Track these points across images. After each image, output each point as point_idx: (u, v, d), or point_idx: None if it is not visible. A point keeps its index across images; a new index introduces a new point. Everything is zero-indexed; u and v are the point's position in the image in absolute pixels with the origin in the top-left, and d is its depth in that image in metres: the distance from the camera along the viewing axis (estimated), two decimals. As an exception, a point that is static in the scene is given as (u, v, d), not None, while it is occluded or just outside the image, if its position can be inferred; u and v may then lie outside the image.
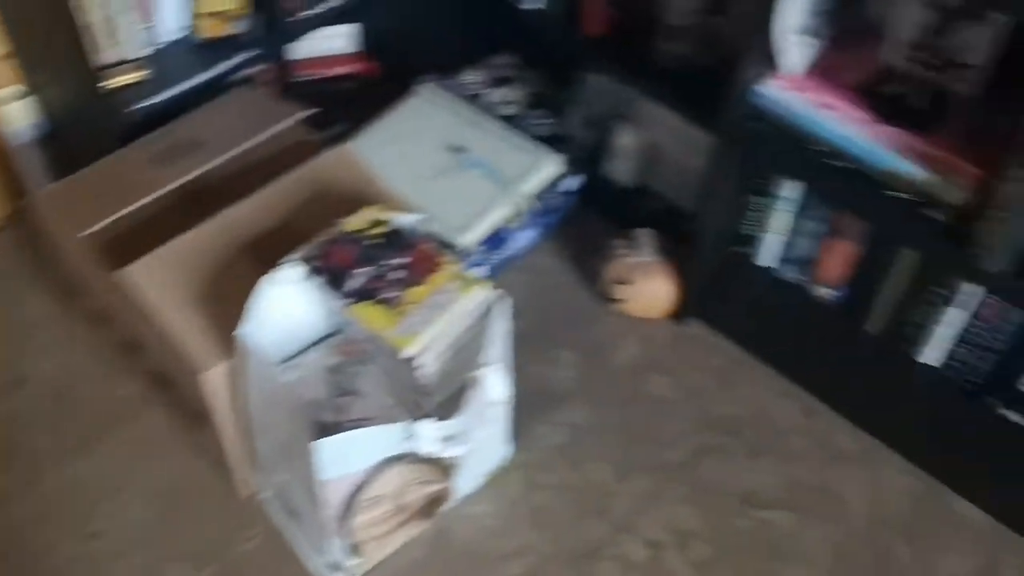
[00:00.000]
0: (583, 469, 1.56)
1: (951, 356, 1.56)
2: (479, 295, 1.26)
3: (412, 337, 1.21)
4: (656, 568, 1.45)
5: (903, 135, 1.34)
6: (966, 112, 1.35)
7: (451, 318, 1.23)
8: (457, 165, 1.79)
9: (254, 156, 1.51)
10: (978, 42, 1.33)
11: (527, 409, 1.59)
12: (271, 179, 1.45)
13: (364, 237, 1.31)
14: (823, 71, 1.43)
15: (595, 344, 1.73)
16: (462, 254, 1.68)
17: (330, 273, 1.26)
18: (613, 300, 1.74)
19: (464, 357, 1.27)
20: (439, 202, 1.70)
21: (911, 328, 1.58)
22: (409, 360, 1.22)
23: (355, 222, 1.33)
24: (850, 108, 1.38)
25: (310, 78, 2.03)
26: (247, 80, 1.77)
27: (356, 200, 1.38)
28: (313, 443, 1.15)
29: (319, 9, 1.74)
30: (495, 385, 1.25)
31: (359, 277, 1.26)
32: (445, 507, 1.46)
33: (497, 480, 1.53)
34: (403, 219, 1.35)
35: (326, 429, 1.18)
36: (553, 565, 1.45)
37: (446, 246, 1.67)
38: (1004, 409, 1.53)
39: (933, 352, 1.58)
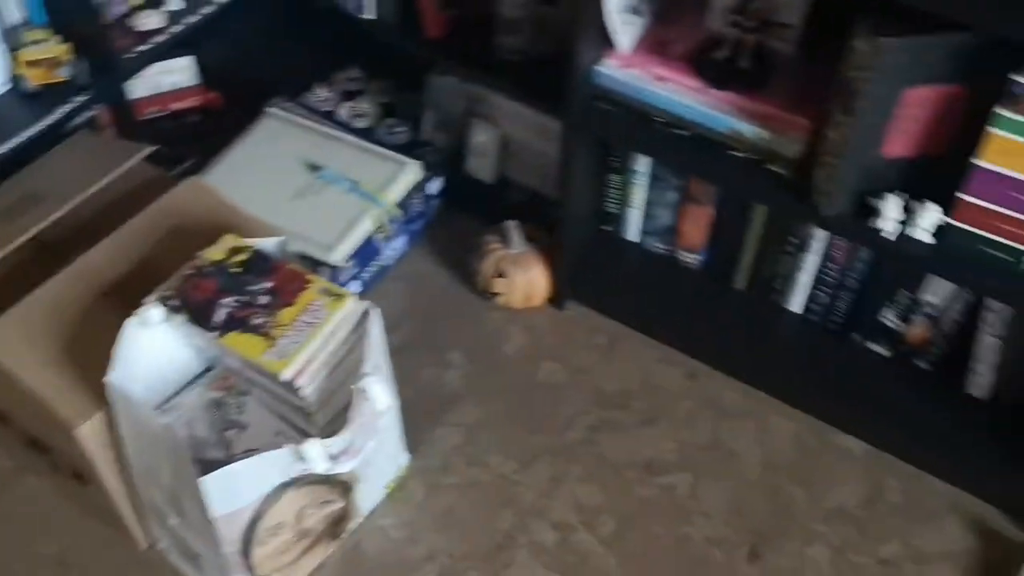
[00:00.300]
0: (483, 465, 1.57)
1: (814, 300, 1.63)
2: (349, 308, 1.26)
3: (287, 359, 1.20)
4: (567, 549, 1.48)
5: (736, 97, 1.40)
6: (789, 69, 1.42)
7: (324, 334, 1.22)
8: (316, 183, 1.78)
9: (102, 200, 1.46)
10: (792, 3, 1.40)
11: (421, 414, 1.60)
12: (123, 221, 1.41)
13: (226, 267, 1.29)
14: (654, 45, 1.48)
15: (481, 341, 1.75)
16: (334, 271, 1.67)
17: (194, 307, 1.24)
18: (492, 295, 1.76)
19: (344, 372, 1.27)
20: (303, 222, 1.69)
21: (774, 279, 1.65)
22: (288, 383, 1.21)
23: (214, 253, 1.30)
24: (683, 77, 1.44)
25: (154, 116, 1.98)
26: (89, 124, 1.72)
27: (214, 231, 1.35)
28: (199, 480, 1.13)
29: (149, 44, 1.70)
30: (379, 395, 1.25)
31: (225, 307, 1.24)
32: (351, 525, 1.45)
33: (399, 489, 1.53)
34: (264, 243, 1.34)
35: (214, 466, 1.16)
36: (467, 563, 1.46)
37: (316, 265, 1.66)
38: (868, 342, 1.61)
39: (798, 299, 1.65)
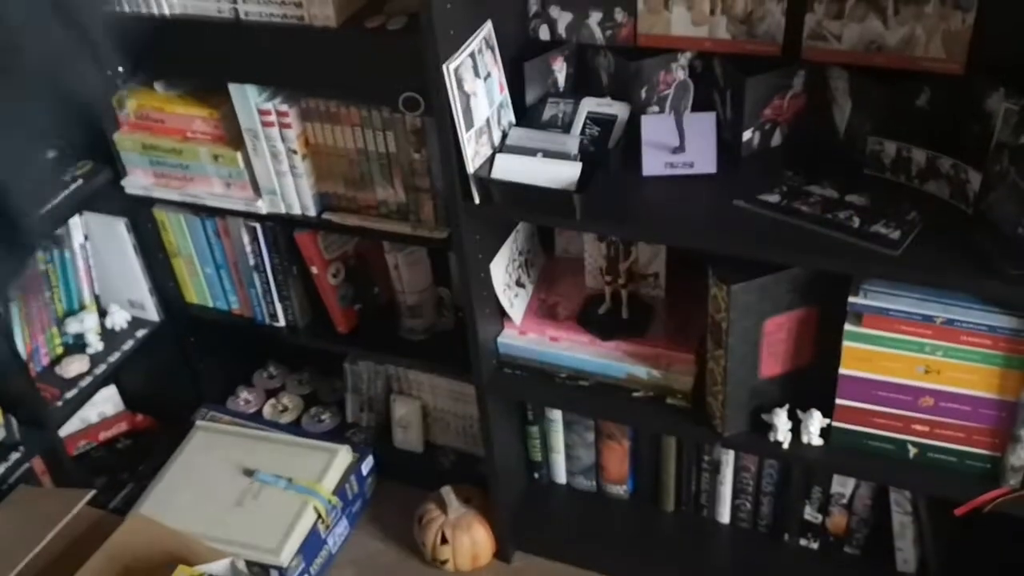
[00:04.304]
0: None
1: (739, 509, 1.73)
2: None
3: None
4: None
5: (623, 345, 1.56)
6: (665, 311, 1.59)
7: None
8: (254, 487, 1.84)
9: (51, 554, 1.50)
10: (653, 256, 1.59)
11: None
12: (74, 573, 1.44)
13: (181, 600, 1.33)
14: (543, 310, 1.65)
15: (436, 610, 1.78)
16: (282, 573, 1.70)
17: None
18: (440, 562, 1.81)
19: None
20: (247, 530, 1.74)
21: (699, 496, 1.75)
22: None
23: (169, 588, 1.35)
24: (574, 335, 1.59)
25: (85, 449, 2.04)
26: (24, 475, 1.76)
27: (165, 564, 1.40)
28: None
29: (76, 389, 1.78)
30: None
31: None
32: None
33: None
34: (215, 568, 1.39)
35: None
36: None
37: (266, 569, 1.70)
38: (799, 539, 1.71)
39: (725, 510, 1.75)
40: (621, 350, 1.56)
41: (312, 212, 1.66)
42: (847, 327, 1.30)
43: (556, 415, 1.78)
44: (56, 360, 1.84)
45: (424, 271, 1.75)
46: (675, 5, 1.41)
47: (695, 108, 1.45)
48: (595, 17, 1.47)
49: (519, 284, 1.64)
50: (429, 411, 1.99)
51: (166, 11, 1.49)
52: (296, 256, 1.77)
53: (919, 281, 1.23)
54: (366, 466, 1.96)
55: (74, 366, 1.82)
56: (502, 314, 1.62)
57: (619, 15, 1.46)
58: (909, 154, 1.29)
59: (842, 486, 1.60)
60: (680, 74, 1.44)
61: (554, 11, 1.50)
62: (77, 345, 1.87)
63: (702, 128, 1.38)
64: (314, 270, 1.76)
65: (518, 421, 1.82)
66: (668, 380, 1.52)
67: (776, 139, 1.43)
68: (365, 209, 1.63)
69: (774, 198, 1.31)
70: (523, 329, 1.62)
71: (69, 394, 1.77)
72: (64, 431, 1.96)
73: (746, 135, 1.40)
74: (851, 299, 1.28)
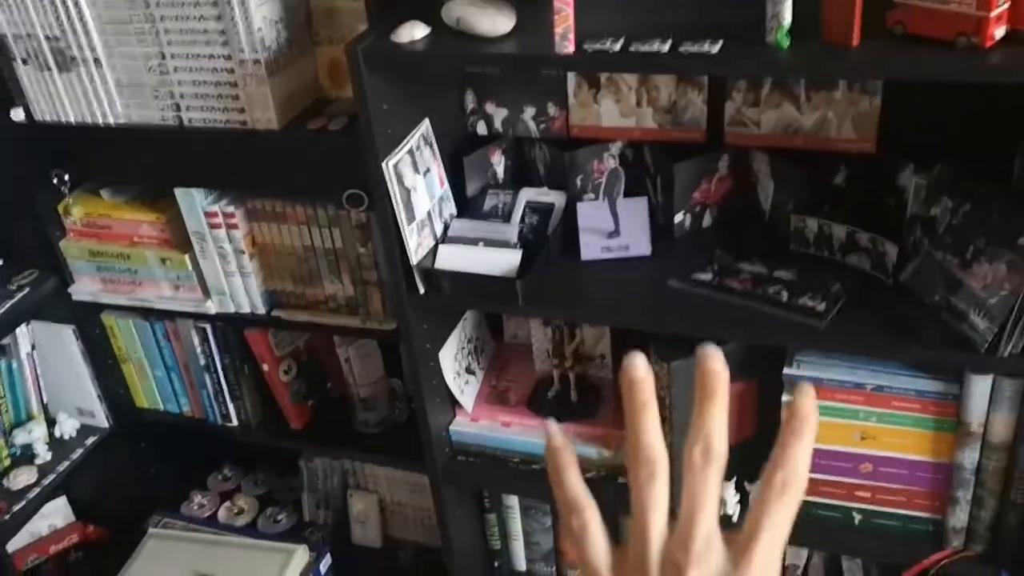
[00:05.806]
0: None
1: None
2: None
3: None
4: None
5: (574, 426, 1.58)
6: (612, 392, 1.63)
7: None
8: (209, 593, 1.81)
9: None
10: (599, 337, 1.63)
11: None
12: None
13: None
14: (494, 396, 1.67)
15: None
16: None
17: None
18: (401, 659, 1.78)
19: None
20: (201, 637, 1.70)
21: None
22: None
23: None
24: (525, 419, 1.62)
25: (36, 563, 1.99)
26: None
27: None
28: None
29: (24, 502, 1.76)
30: None
31: None
32: None
33: None
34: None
35: None
36: None
37: None
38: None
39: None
40: (571, 432, 1.58)
41: (261, 310, 1.68)
42: (784, 398, 1.34)
43: (513, 501, 1.78)
44: (3, 473, 1.81)
45: (376, 363, 1.77)
46: (604, 98, 1.49)
47: (627, 194, 1.51)
48: (529, 112, 1.54)
49: (469, 371, 1.67)
50: (387, 505, 1.99)
51: (111, 120, 1.53)
52: (247, 354, 1.78)
53: (845, 350, 1.28)
54: (324, 565, 1.94)
55: (22, 478, 1.79)
56: (454, 402, 1.64)
57: (552, 109, 1.53)
58: (830, 230, 1.35)
59: (796, 557, 1.61)
60: (611, 162, 1.50)
61: (490, 107, 1.56)
62: (25, 456, 1.85)
63: (635, 212, 1.43)
64: (265, 367, 1.77)
65: (475, 510, 1.81)
66: (619, 459, 1.54)
67: (707, 220, 1.49)
68: (314, 305, 1.66)
69: (707, 276, 1.37)
70: (475, 416, 1.64)
71: (16, 507, 1.74)
72: (13, 545, 1.93)
73: (678, 217, 1.46)
74: (786, 370, 1.32)
